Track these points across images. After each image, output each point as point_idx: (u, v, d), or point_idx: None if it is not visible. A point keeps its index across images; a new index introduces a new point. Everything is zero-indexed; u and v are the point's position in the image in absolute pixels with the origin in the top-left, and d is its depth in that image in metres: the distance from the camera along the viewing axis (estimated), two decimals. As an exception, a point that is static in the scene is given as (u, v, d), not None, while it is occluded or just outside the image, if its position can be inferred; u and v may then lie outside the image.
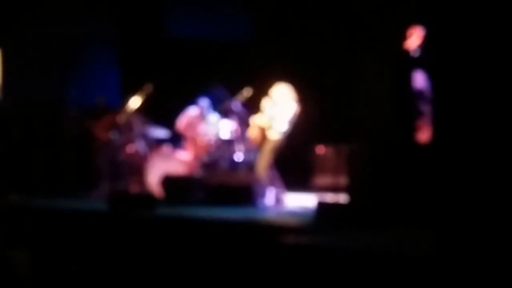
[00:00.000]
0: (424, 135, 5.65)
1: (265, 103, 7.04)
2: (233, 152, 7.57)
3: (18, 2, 9.36)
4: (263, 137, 7.07)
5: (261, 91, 7.25)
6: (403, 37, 5.71)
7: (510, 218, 3.18)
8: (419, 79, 5.74)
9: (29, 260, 5.85)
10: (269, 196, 6.91)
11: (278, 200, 6.96)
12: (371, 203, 5.20)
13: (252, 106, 7.48)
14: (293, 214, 6.34)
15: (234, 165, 7.60)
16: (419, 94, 5.73)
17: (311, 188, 8.43)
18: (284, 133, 6.97)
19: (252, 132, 7.21)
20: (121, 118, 7.94)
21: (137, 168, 7.93)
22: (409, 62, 5.75)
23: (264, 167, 6.92)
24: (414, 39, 5.71)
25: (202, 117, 8.11)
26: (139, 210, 6.16)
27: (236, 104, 7.58)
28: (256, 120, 7.16)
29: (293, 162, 8.21)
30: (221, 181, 7.03)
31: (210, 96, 8.08)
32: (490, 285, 2.90)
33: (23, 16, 9.40)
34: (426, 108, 5.63)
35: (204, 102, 8.06)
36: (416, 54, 5.67)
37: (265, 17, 9.61)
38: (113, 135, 8.43)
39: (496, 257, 3.01)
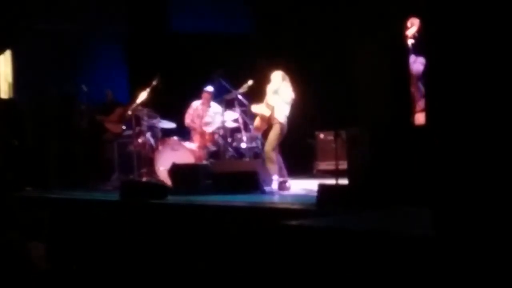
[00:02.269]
0: (421, 117, 5.78)
1: (265, 92, 7.23)
2: (238, 141, 7.73)
3: (29, 0, 9.57)
4: (267, 125, 7.27)
5: (263, 81, 7.43)
6: (402, 25, 5.83)
7: (507, 198, 3.25)
8: (417, 63, 5.87)
9: (45, 251, 6.03)
10: (274, 183, 6.99)
11: (282, 186, 7.06)
12: (371, 184, 5.30)
13: (254, 96, 7.66)
14: (297, 199, 6.47)
15: (239, 153, 7.76)
16: (417, 78, 5.86)
17: (314, 174, 8.60)
18: (286, 116, 7.14)
19: (256, 121, 7.40)
20: (130, 112, 8.09)
21: (147, 159, 8.05)
22: (407, 49, 5.88)
23: (271, 152, 7.03)
24: (413, 28, 5.85)
25: (208, 104, 8.29)
26: (149, 199, 6.26)
27: (239, 94, 7.74)
28: (258, 109, 7.33)
29: (296, 149, 8.36)
30: (227, 169, 7.08)
31: (214, 87, 8.26)
32: (489, 264, 2.96)
33: (34, 15, 9.61)
34: (423, 92, 5.76)
35: (211, 88, 8.22)
36: (413, 42, 5.81)
37: (265, 9, 9.76)
38: (123, 128, 8.62)
39: (495, 234, 3.05)
